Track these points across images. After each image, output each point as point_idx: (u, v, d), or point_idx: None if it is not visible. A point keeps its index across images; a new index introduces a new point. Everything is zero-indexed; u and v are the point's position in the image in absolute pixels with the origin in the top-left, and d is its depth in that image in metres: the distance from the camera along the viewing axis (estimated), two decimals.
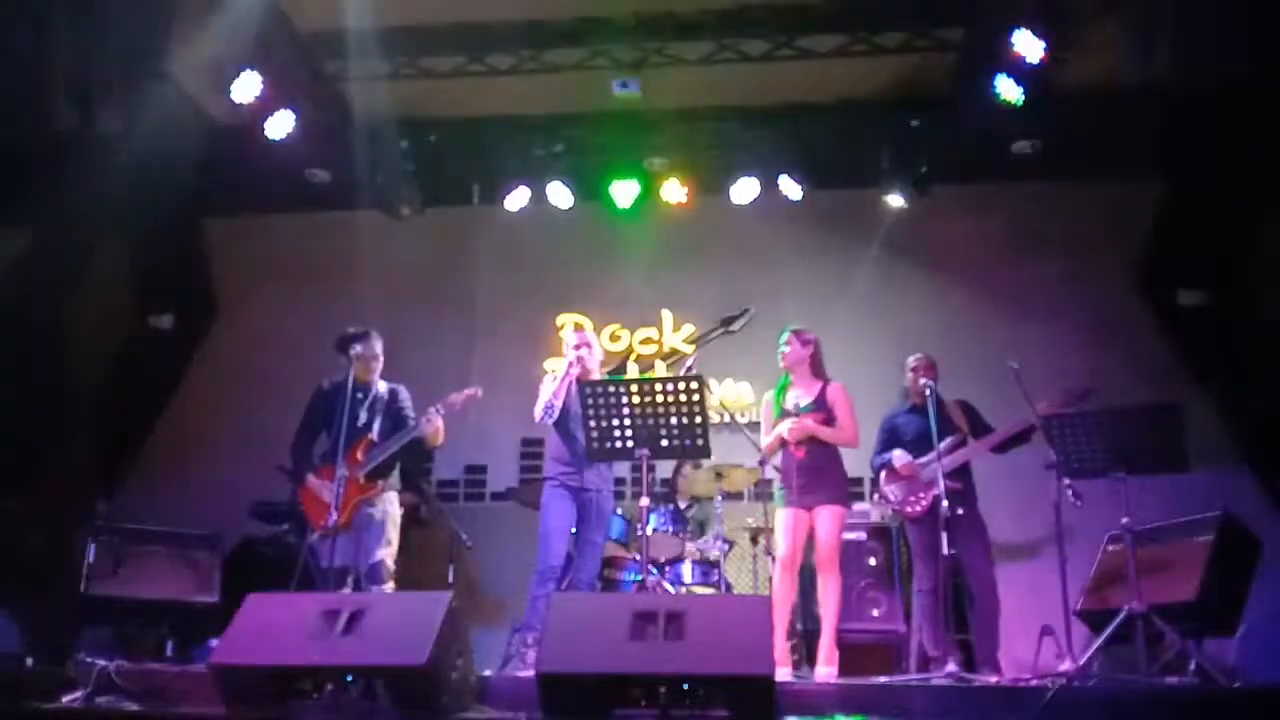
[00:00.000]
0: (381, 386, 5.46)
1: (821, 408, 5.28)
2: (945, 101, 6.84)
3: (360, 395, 5.32)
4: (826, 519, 5.16)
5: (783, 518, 5.23)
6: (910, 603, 5.81)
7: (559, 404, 5.35)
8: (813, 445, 5.22)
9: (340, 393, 5.22)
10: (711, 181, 7.55)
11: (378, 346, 5.42)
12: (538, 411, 5.40)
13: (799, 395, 5.36)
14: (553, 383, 5.44)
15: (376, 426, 5.35)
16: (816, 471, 5.18)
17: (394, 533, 5.32)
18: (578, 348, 5.52)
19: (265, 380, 7.68)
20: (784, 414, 5.33)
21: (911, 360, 5.60)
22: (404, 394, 5.49)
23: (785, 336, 5.46)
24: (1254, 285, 7.06)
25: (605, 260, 7.90)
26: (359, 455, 5.26)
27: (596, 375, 5.58)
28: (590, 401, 4.53)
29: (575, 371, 5.41)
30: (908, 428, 5.53)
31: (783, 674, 4.69)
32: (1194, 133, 6.56)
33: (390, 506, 5.35)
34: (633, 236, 7.80)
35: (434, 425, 5.27)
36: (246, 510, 6.77)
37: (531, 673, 3.63)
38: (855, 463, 5.93)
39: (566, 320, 7.86)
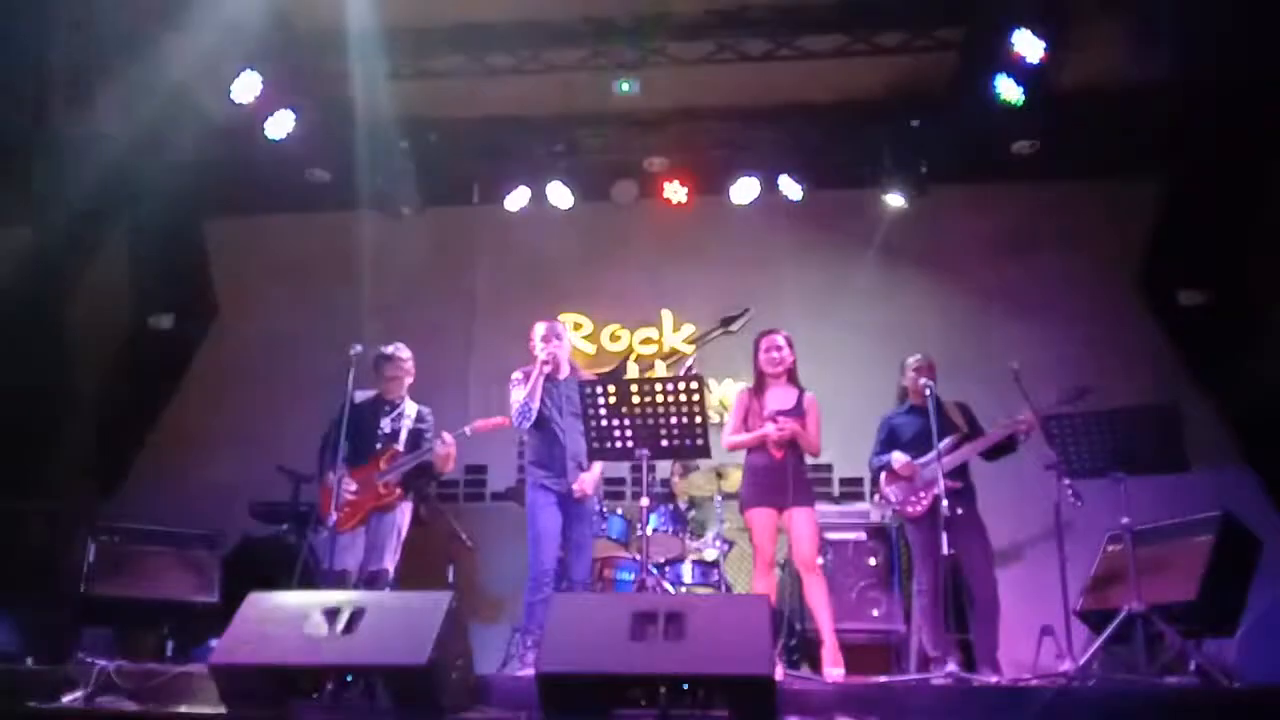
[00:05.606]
0: (410, 408, 5.56)
1: (798, 414, 5.27)
2: (945, 101, 6.84)
3: (389, 408, 5.50)
4: (805, 520, 5.14)
5: (755, 518, 5.18)
6: (910, 603, 5.80)
7: (535, 405, 5.26)
8: (791, 449, 5.21)
9: (369, 406, 5.45)
10: (711, 181, 7.55)
11: (404, 365, 5.54)
12: (513, 417, 5.32)
13: (779, 399, 5.35)
14: (523, 386, 5.31)
15: (403, 439, 5.43)
16: (795, 474, 5.16)
17: (399, 543, 5.39)
18: (546, 340, 5.40)
19: (265, 380, 7.70)
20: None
21: (912, 360, 5.56)
22: (429, 418, 5.57)
23: (778, 340, 5.38)
24: (1254, 285, 7.06)
25: (605, 260, 7.89)
26: (382, 463, 5.34)
27: (566, 367, 5.51)
28: (590, 401, 4.52)
29: (547, 369, 5.32)
30: (907, 428, 5.50)
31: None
32: (1194, 132, 6.58)
33: (403, 517, 5.41)
34: (633, 236, 7.80)
35: (447, 449, 5.34)
36: (246, 510, 6.76)
37: (531, 671, 3.65)
38: (853, 463, 5.94)
39: (566, 320, 7.85)
